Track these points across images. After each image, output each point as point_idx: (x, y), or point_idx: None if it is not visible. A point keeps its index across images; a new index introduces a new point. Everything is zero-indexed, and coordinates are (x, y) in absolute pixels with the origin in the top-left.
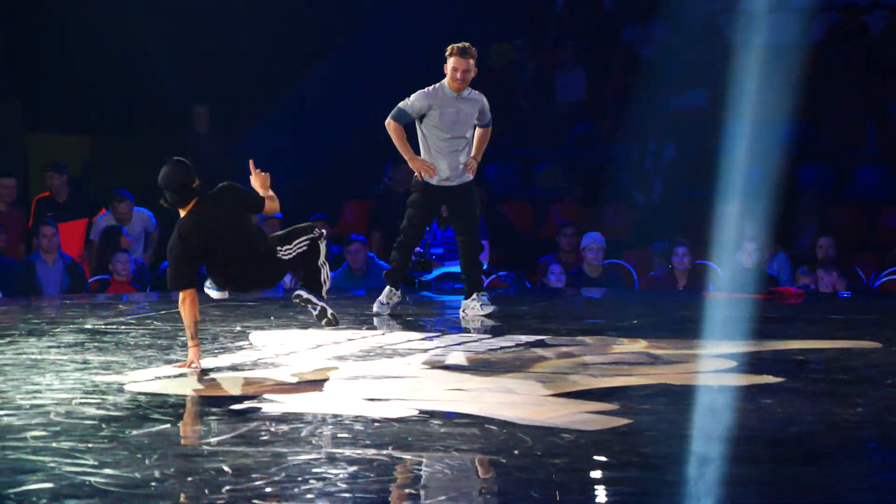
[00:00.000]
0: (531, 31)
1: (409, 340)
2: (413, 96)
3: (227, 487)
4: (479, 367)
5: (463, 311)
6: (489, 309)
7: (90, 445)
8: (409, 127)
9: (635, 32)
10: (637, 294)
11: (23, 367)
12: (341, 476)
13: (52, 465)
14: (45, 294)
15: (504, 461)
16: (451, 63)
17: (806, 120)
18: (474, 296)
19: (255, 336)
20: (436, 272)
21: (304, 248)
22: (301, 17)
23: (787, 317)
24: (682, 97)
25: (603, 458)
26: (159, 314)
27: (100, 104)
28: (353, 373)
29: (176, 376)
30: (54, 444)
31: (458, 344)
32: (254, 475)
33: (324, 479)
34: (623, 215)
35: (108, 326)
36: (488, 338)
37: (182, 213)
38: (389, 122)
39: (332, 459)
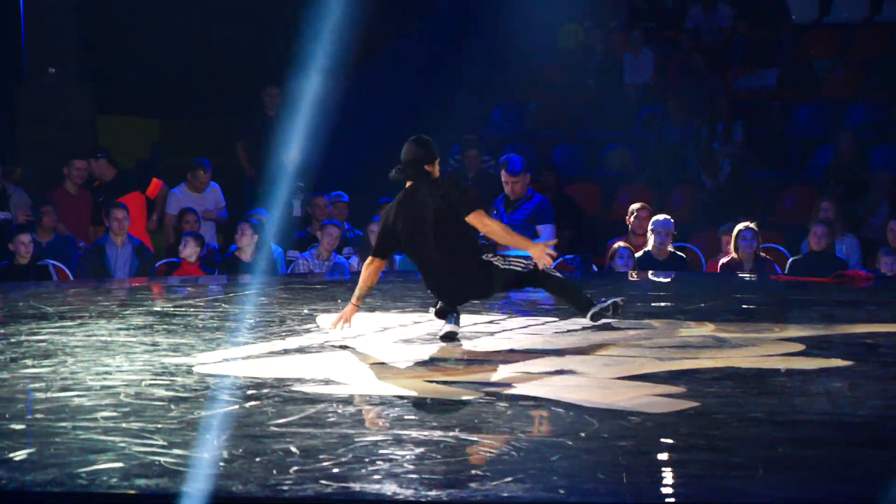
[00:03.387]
0: (600, 13)
1: (475, 324)
2: None
3: (295, 468)
4: (545, 349)
5: None
6: None
7: (159, 426)
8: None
9: (702, 14)
10: (704, 277)
11: (93, 348)
12: (408, 457)
13: (122, 445)
14: (114, 277)
15: (571, 443)
16: None
17: (877, 100)
18: None
19: (323, 319)
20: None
21: (520, 268)
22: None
23: (856, 300)
24: (751, 78)
25: (670, 441)
26: (227, 297)
27: (170, 87)
28: (420, 355)
29: (244, 359)
30: (124, 425)
31: (525, 327)
32: (321, 456)
33: (391, 460)
34: (691, 198)
35: (177, 309)
36: (555, 321)
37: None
38: None
39: (398, 441)
